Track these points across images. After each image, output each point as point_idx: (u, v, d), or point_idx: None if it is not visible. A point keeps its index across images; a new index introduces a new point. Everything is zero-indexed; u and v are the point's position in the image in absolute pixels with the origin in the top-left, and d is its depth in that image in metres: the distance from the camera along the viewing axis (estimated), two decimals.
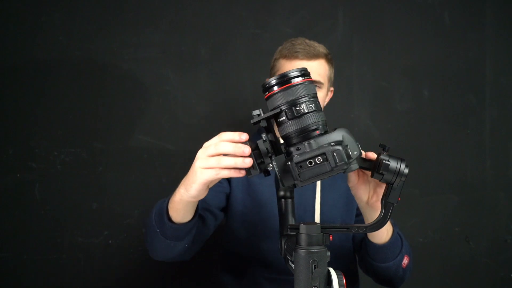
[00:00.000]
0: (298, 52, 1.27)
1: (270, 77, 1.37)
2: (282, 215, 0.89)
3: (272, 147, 0.80)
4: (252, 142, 0.81)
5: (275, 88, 0.79)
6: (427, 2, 1.83)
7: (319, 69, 1.28)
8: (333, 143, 0.76)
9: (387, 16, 1.81)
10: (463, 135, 1.85)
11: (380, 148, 0.90)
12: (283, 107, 0.79)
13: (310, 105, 0.79)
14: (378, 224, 0.84)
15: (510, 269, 1.87)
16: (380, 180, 0.82)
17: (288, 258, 0.82)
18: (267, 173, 0.82)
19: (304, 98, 0.79)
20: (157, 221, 1.01)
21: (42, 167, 1.57)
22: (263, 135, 0.80)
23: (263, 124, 0.80)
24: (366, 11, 1.80)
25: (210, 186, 0.88)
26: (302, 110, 0.78)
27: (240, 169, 0.80)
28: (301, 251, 0.76)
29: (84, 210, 1.59)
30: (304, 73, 0.80)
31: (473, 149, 1.86)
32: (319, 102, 0.81)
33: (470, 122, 1.86)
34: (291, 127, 0.79)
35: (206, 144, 0.84)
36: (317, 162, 0.74)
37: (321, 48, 1.31)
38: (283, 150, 0.81)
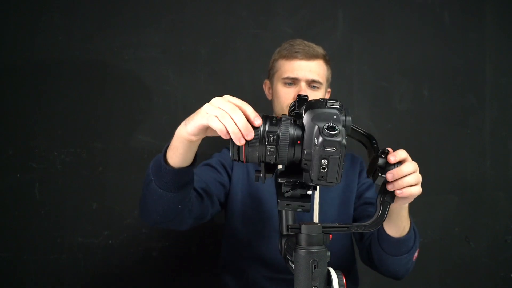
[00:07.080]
0: (297, 52, 1.29)
1: (269, 77, 1.39)
2: (283, 215, 0.89)
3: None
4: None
5: (243, 149, 0.76)
6: (427, 2, 1.83)
7: (318, 69, 1.30)
8: (312, 100, 0.76)
9: (387, 16, 1.81)
10: (463, 135, 1.85)
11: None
12: (265, 156, 0.75)
13: (271, 123, 0.76)
14: (376, 223, 0.85)
15: (510, 269, 1.87)
16: (375, 181, 0.84)
17: (288, 258, 0.82)
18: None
19: (260, 131, 0.75)
20: (154, 170, 0.97)
21: (42, 167, 1.57)
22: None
23: (269, 176, 0.78)
24: (366, 11, 1.80)
25: (207, 134, 0.86)
26: (277, 131, 0.74)
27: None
28: (301, 251, 0.76)
29: (84, 210, 1.59)
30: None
31: (473, 149, 1.86)
32: (261, 114, 0.77)
33: (470, 122, 1.86)
34: (288, 151, 0.74)
35: (226, 99, 0.79)
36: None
37: (319, 49, 1.33)
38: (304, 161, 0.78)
